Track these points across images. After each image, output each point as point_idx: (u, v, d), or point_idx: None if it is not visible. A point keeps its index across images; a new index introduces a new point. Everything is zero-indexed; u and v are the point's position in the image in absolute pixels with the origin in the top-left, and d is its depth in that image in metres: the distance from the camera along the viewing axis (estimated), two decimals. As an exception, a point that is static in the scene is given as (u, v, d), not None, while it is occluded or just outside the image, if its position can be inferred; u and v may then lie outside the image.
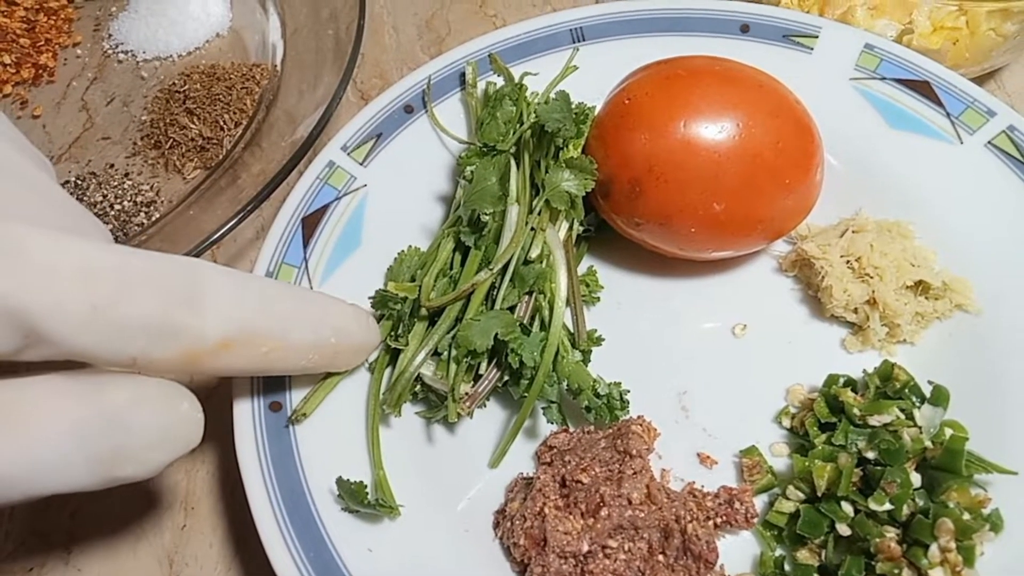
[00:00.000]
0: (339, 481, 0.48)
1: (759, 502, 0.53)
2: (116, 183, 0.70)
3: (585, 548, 0.47)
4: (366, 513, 0.49)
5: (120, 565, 0.56)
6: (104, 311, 0.35)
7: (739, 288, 0.62)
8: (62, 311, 0.33)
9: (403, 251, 0.58)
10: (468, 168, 0.58)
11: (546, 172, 0.57)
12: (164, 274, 0.38)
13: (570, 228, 0.59)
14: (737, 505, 0.51)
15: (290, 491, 0.49)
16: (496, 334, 0.51)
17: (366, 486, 0.48)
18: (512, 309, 0.54)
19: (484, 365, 0.53)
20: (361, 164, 0.62)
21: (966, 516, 0.47)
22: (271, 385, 0.53)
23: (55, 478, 0.36)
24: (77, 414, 0.35)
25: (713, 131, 0.54)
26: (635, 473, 0.50)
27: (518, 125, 0.59)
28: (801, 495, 0.51)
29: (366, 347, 0.52)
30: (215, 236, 0.58)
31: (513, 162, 0.57)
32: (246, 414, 0.51)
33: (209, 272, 0.40)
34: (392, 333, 0.55)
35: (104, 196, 0.68)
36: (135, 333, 0.36)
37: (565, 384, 0.53)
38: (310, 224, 0.58)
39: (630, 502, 0.48)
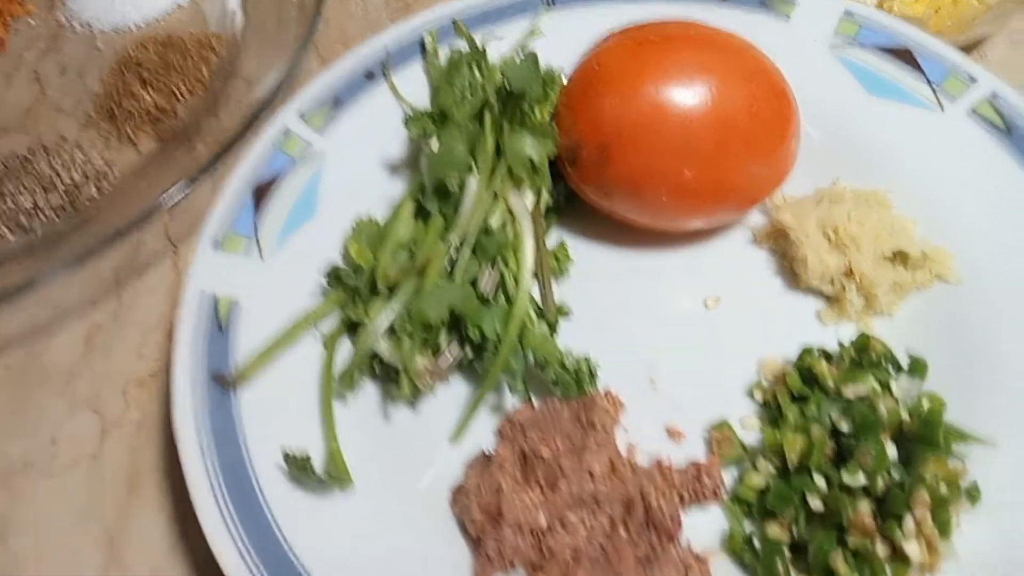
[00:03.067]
0: (286, 456, 0.45)
1: (729, 479, 0.51)
2: (67, 155, 0.67)
3: (543, 521, 0.44)
4: (314, 488, 0.47)
5: (58, 544, 0.53)
6: None
7: (712, 260, 0.60)
8: None
9: (360, 220, 0.56)
10: (414, 129, 0.55)
11: (510, 139, 0.54)
12: None
13: (538, 198, 0.56)
14: (705, 479, 0.48)
15: (230, 464, 0.46)
16: (451, 306, 0.48)
17: (311, 458, 0.45)
18: (475, 282, 0.52)
19: (444, 339, 0.51)
20: (318, 131, 0.59)
21: (943, 488, 0.44)
22: (215, 355, 0.50)
23: None
24: None
25: (684, 95, 0.52)
26: (599, 447, 0.47)
27: (481, 91, 0.57)
28: (771, 468, 0.49)
29: None
30: (163, 202, 0.55)
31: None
32: (185, 382, 0.49)
33: None
34: (350, 307, 0.53)
35: (53, 168, 0.65)
36: None
37: (531, 357, 0.51)
38: (262, 192, 0.56)
39: (591, 475, 0.46)
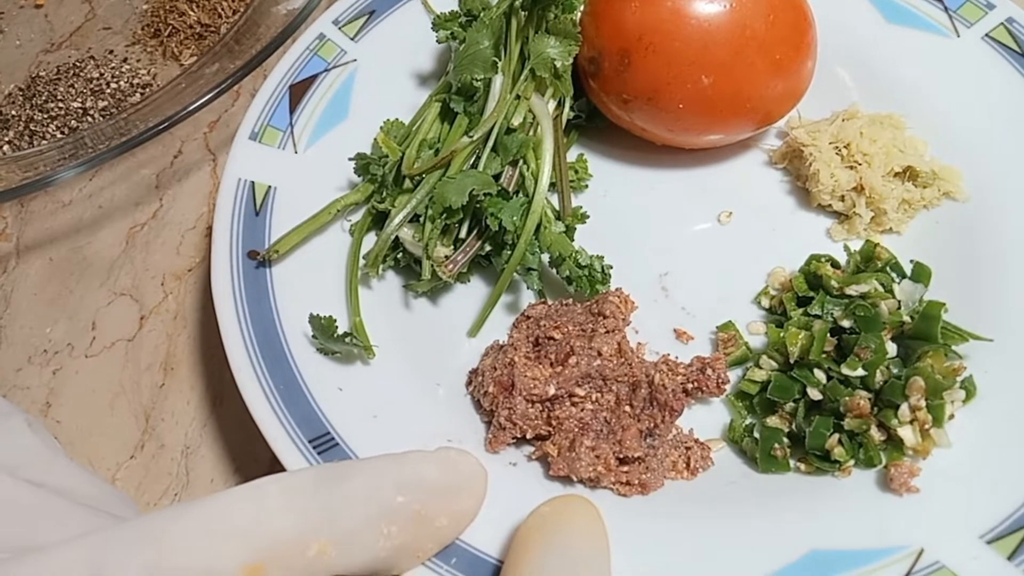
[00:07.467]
0: (311, 317, 0.48)
1: (733, 379, 0.52)
2: (114, 65, 0.71)
3: (552, 391, 0.46)
4: (337, 353, 0.50)
5: (97, 419, 0.57)
6: None
7: (728, 179, 0.61)
8: None
9: (387, 120, 0.58)
10: (442, 32, 0.57)
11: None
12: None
13: (559, 106, 0.59)
14: (709, 372, 0.50)
15: (263, 329, 0.49)
16: (472, 191, 0.50)
17: (336, 320, 0.48)
18: (496, 178, 0.54)
19: (464, 229, 0.53)
20: (352, 39, 0.62)
21: (938, 376, 0.46)
22: (251, 235, 0.53)
23: None
24: None
25: (704, 1, 0.53)
26: (607, 332, 0.50)
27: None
28: (774, 364, 0.51)
29: (462, 487, 0.42)
30: (201, 101, 0.58)
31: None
32: (223, 256, 0.52)
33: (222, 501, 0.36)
34: (377, 196, 0.55)
35: (101, 74, 0.69)
36: None
37: (546, 255, 0.53)
38: (298, 91, 0.59)
39: (599, 354, 0.48)
